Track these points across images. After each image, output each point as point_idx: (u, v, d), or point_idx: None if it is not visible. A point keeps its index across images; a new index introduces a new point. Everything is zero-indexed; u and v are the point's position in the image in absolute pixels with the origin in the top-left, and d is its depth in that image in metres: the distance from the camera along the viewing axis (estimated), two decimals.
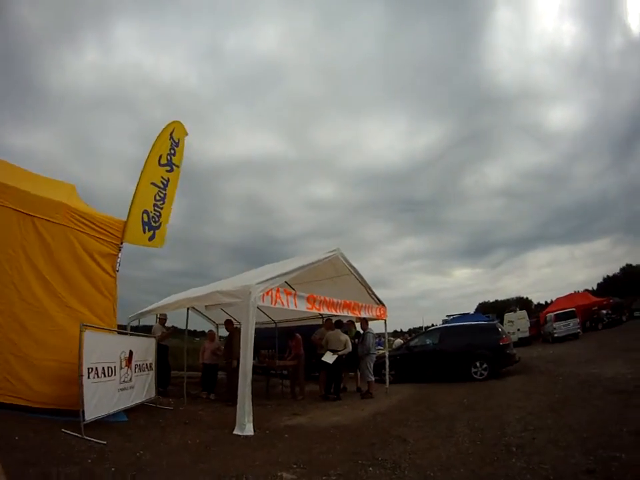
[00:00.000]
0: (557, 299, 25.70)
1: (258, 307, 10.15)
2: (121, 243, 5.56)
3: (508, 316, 21.91)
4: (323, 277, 8.15)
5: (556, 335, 18.53)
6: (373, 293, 8.46)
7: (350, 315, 7.75)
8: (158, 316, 7.73)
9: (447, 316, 22.08)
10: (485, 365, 9.02)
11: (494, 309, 37.72)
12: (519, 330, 20.31)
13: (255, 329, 12.25)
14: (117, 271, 5.47)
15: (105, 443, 3.72)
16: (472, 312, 26.56)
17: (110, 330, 5.05)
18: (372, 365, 7.99)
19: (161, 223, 6.26)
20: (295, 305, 6.07)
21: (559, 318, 19.05)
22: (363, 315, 8.04)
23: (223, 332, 8.73)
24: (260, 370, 8.19)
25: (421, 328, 29.42)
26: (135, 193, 5.94)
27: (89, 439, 3.75)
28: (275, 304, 5.60)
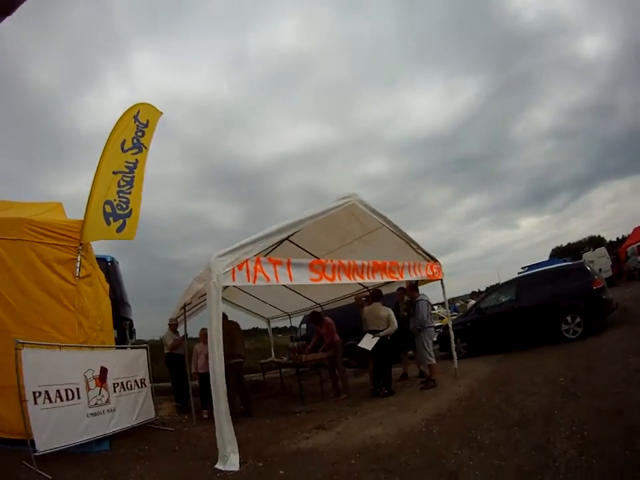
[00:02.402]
0: (635, 229, 20.44)
1: (293, 291, 8.10)
2: (80, 244, 4.52)
3: (587, 256, 17.85)
4: (352, 238, 6.03)
5: None
6: (419, 247, 6.00)
7: (387, 279, 5.38)
8: (168, 322, 6.37)
9: (522, 268, 19.08)
10: (577, 319, 6.57)
11: (568, 253, 32.57)
12: (600, 270, 16.49)
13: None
14: (78, 277, 4.40)
15: (50, 478, 3.15)
16: (547, 259, 22.86)
17: (64, 346, 3.96)
18: (431, 342, 5.85)
19: (131, 210, 4.99)
20: (290, 277, 4.10)
21: None
22: (407, 277, 5.66)
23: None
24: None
25: (497, 285, 26.81)
26: (93, 184, 4.78)
27: (40, 472, 3.21)
28: (254, 281, 3.77)
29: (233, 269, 3.64)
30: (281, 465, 3.11)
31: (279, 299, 9.27)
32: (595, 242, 38.99)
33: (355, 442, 3.49)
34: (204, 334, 6.09)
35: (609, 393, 3.54)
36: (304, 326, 11.71)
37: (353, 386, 6.45)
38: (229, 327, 5.39)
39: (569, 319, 6.69)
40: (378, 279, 5.24)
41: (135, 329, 8.31)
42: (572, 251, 36.69)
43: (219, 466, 3.23)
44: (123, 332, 7.19)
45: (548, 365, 5.25)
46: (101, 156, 5.03)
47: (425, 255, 6.23)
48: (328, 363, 6.21)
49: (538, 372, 4.93)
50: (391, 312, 5.67)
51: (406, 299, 6.80)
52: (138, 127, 5.52)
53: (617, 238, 38.13)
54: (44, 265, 4.31)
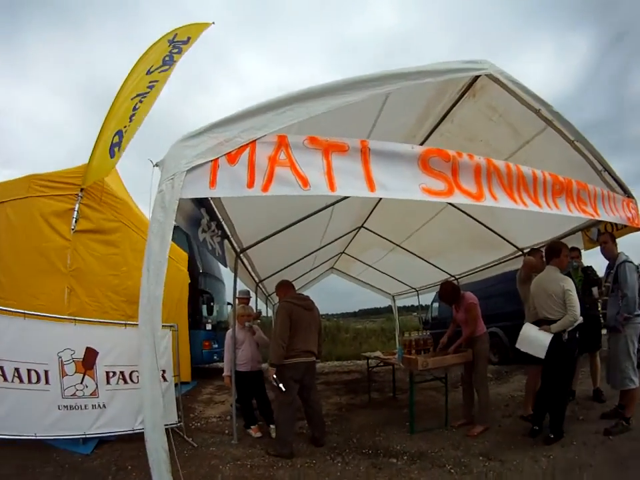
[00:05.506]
0: None
1: (418, 257, 5.66)
2: (81, 190, 3.43)
3: None
4: (497, 155, 2.41)
5: None
6: (606, 169, 2.87)
7: (577, 212, 2.46)
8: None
9: None
10: None
11: None
12: None
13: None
14: (74, 229, 3.31)
15: None
16: None
17: (29, 314, 2.69)
18: (635, 348, 2.89)
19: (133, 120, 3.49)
20: (370, 182, 1.67)
21: None
22: (604, 215, 2.69)
23: None
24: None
25: None
26: (107, 115, 3.69)
27: None
28: (265, 187, 1.54)
29: (216, 160, 1.56)
30: None
31: (401, 270, 6.87)
32: None
33: None
34: (242, 314, 3.67)
35: None
36: (436, 304, 8.75)
37: (492, 403, 3.67)
38: (296, 303, 3.07)
39: None
40: (563, 209, 2.40)
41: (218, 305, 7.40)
42: None
43: None
44: (198, 306, 6.25)
45: None
46: (122, 85, 3.95)
47: (617, 183, 3.00)
48: (463, 373, 3.56)
49: None
50: (571, 286, 2.78)
51: (578, 266, 3.68)
52: (175, 45, 4.34)
53: None
54: (42, 220, 3.43)
